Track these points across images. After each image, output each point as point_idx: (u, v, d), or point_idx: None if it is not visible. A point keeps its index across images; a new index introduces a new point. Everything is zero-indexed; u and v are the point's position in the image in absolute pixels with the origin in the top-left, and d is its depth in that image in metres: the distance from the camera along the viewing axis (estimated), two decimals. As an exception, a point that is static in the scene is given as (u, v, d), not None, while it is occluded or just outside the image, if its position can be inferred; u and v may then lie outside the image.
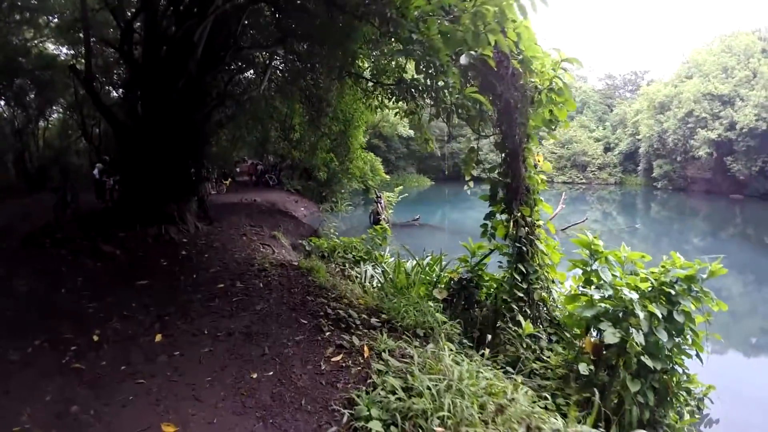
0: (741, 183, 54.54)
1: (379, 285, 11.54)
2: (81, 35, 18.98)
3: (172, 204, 13.72)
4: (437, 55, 6.50)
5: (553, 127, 8.20)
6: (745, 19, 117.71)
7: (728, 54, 56.47)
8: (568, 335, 7.90)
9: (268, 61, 17.84)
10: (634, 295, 6.29)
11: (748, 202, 51.27)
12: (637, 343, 6.01)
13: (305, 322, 6.82)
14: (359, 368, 5.40)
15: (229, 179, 31.66)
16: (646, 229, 33.65)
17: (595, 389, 5.87)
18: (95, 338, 6.21)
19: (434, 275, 10.55)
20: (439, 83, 7.03)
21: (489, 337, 7.91)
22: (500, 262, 8.82)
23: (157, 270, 9.74)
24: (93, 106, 17.38)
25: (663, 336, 6.17)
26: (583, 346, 6.80)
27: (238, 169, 37.64)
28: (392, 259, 13.83)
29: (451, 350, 5.65)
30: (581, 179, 69.79)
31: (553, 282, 8.77)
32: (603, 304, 6.63)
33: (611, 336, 6.02)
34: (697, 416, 7.60)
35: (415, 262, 11.86)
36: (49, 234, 11.97)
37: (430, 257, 12.00)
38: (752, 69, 53.54)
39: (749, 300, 18.61)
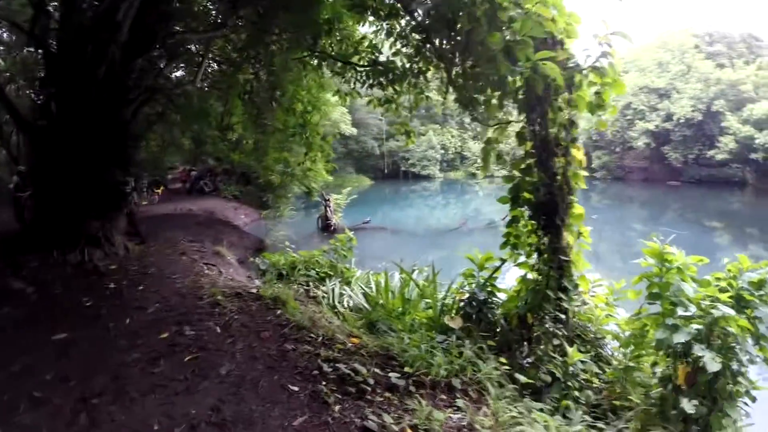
0: (677, 170, 58.19)
1: (357, 307, 9.74)
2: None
3: (95, 221, 11.33)
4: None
5: (600, 112, 6.52)
6: (677, 21, 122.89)
7: (663, 50, 60.09)
8: (603, 352, 7.03)
9: (203, 53, 15.60)
10: (729, 311, 4.99)
11: (684, 188, 54.33)
12: (743, 365, 5.05)
13: (296, 389, 4.81)
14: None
15: (161, 187, 28.95)
16: (589, 217, 33.34)
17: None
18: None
19: (435, 296, 8.66)
20: (488, 47, 5.21)
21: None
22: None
23: (78, 314, 7.42)
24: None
25: (752, 350, 5.20)
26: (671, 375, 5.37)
27: (170, 176, 34.76)
28: (359, 272, 11.97)
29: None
30: (522, 173, 69.88)
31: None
32: (695, 326, 5.17)
33: (712, 363, 4.77)
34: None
35: (399, 277, 10.10)
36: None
37: (416, 270, 10.22)
38: (687, 64, 57.15)
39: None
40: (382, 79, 9.31)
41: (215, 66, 18.11)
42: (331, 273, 11.48)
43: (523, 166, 6.77)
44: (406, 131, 9.57)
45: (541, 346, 6.55)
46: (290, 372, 5.20)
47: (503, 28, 5.19)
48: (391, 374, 5.08)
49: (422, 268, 10.66)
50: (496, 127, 7.14)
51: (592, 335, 7.21)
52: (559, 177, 6.37)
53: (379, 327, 7.80)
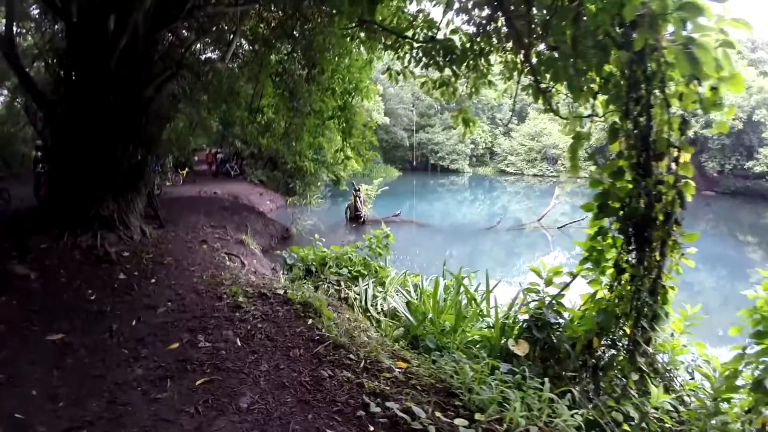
0: (713, 180, 55.85)
1: (392, 312, 8.73)
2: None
3: (111, 202, 10.43)
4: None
5: (719, 110, 5.30)
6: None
7: (702, 54, 57.34)
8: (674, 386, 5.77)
9: (234, 29, 14.58)
10: None
11: (719, 198, 52.39)
12: None
13: (336, 436, 3.79)
14: None
15: (186, 169, 28.21)
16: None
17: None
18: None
19: (497, 313, 7.43)
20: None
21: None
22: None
23: (81, 310, 6.45)
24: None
25: None
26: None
27: (196, 158, 34.09)
28: (394, 272, 10.89)
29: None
30: (551, 172, 68.65)
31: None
32: None
33: None
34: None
35: (443, 281, 9.04)
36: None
37: (465, 276, 9.10)
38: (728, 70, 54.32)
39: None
40: (439, 59, 8.12)
41: (246, 46, 17.15)
42: (365, 272, 10.40)
43: (614, 168, 5.58)
44: (464, 119, 8.43)
45: (610, 378, 5.62)
46: (328, 409, 4.12)
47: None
48: (456, 420, 3.98)
49: (471, 273, 9.58)
50: (591, 116, 5.91)
51: (662, 366, 6.09)
52: (662, 186, 5.19)
53: (425, 344, 6.74)
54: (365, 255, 11.12)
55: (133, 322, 6.03)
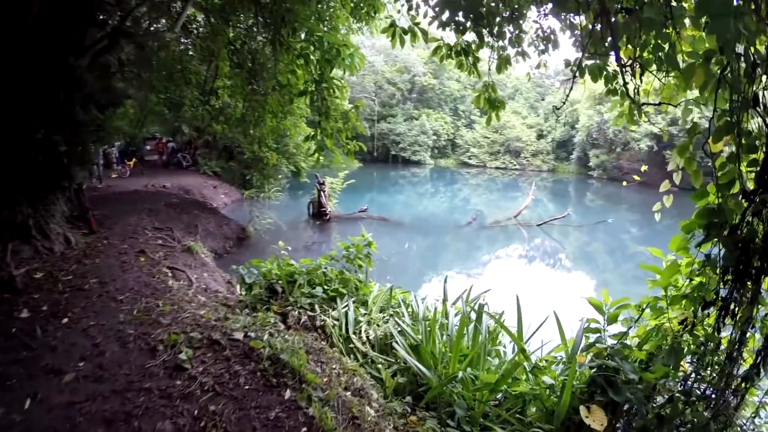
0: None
1: (380, 341, 6.89)
2: None
3: (25, 205, 8.24)
4: None
5: None
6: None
7: (674, 50, 57.33)
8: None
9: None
10: None
11: (680, 194, 51.43)
12: None
13: None
14: None
15: (134, 159, 25.67)
16: (580, 218, 30.79)
17: None
18: None
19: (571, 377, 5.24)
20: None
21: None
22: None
23: None
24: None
25: None
26: None
27: (147, 147, 31.50)
28: (377, 286, 8.94)
29: None
30: (515, 165, 68.18)
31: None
32: None
33: None
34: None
35: (452, 310, 7.20)
36: None
37: (483, 303, 7.16)
38: (693, 66, 54.45)
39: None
40: (459, 16, 5.93)
41: (200, 18, 14.89)
42: (343, 290, 8.41)
43: (716, 176, 3.90)
44: (489, 101, 6.52)
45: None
46: None
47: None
48: None
49: (483, 294, 7.74)
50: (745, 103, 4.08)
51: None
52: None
53: (448, 409, 4.85)
54: (342, 267, 9.17)
55: (26, 403, 3.96)
